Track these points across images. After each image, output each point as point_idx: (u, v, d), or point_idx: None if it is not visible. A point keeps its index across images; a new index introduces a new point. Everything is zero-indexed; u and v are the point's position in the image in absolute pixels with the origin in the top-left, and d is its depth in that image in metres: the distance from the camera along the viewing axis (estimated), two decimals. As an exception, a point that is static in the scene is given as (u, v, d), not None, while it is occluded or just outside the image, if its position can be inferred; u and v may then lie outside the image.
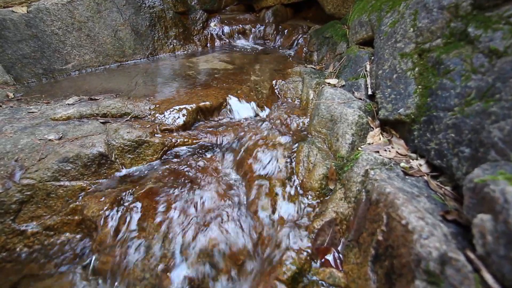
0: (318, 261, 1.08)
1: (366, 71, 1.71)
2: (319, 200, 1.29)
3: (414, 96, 1.22)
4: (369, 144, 1.34)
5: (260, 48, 3.47)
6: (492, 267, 0.66)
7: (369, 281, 0.91)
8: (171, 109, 1.81)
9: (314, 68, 2.43)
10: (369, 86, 1.62)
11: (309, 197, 1.31)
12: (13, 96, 2.09)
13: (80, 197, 1.41)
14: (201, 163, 1.61)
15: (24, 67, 2.38)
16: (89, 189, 1.44)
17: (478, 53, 1.00)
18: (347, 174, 1.21)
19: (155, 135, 1.65)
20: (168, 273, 1.11)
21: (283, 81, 2.26)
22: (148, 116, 1.78)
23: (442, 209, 0.88)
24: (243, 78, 2.37)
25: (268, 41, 3.66)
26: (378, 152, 1.24)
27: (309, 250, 1.09)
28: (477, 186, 0.74)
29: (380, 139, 1.34)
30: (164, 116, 1.78)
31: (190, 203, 1.33)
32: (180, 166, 1.57)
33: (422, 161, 1.14)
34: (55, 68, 2.52)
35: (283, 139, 1.59)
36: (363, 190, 1.09)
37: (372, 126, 1.42)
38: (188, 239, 1.18)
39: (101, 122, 1.67)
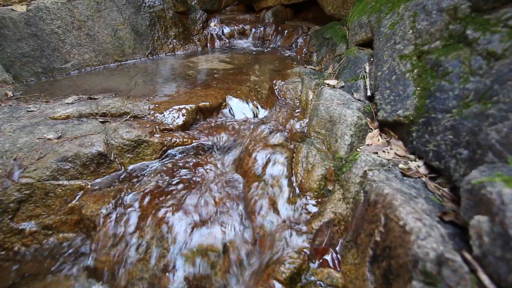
0: (316, 261, 1.08)
1: (365, 72, 1.71)
2: (317, 201, 1.29)
3: (413, 98, 1.23)
4: (367, 145, 1.34)
5: (259, 48, 3.47)
6: (488, 268, 0.66)
7: (367, 281, 0.92)
8: (171, 109, 1.81)
9: (313, 69, 2.43)
10: (368, 87, 1.63)
11: (308, 197, 1.31)
12: (12, 95, 2.09)
13: (79, 196, 1.41)
14: (200, 163, 1.61)
15: (23, 66, 2.38)
16: (87, 188, 1.44)
17: (477, 55, 1.01)
18: (346, 175, 1.21)
19: (154, 134, 1.65)
20: (166, 273, 1.11)
21: (282, 82, 2.27)
22: (148, 116, 1.78)
23: (440, 210, 0.88)
24: (243, 78, 2.37)
25: (268, 41, 3.66)
26: (376, 153, 1.24)
27: (307, 251, 1.10)
28: (474, 188, 0.74)
29: (378, 140, 1.35)
30: (163, 116, 1.78)
31: (188, 203, 1.33)
32: (179, 166, 1.57)
33: (420, 163, 1.14)
34: (55, 67, 2.52)
35: (282, 140, 1.59)
36: (362, 191, 1.09)
37: (371, 127, 1.43)
38: (187, 238, 1.19)
39: (100, 122, 1.67)
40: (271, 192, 1.35)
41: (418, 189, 1.00)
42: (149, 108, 1.83)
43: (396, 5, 1.54)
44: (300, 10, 4.05)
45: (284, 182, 1.38)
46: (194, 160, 1.63)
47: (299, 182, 1.37)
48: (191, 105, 1.85)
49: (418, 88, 1.22)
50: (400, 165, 1.14)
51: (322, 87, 1.89)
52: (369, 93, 1.60)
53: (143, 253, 1.16)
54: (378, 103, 1.42)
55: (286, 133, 1.66)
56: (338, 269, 1.05)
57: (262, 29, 3.70)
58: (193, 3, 3.62)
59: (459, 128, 0.98)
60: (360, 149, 1.31)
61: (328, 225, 1.14)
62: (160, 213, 1.28)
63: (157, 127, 1.69)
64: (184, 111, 1.81)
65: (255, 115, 2.06)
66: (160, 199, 1.35)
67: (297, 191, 1.35)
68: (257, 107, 2.08)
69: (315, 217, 1.20)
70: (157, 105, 1.85)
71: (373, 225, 0.95)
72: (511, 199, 0.63)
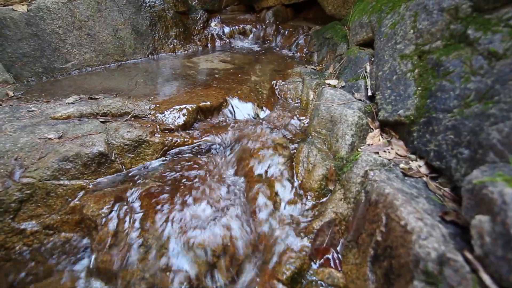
0: (317, 261, 1.08)
1: (366, 72, 1.71)
2: (318, 201, 1.29)
3: (414, 98, 1.23)
4: (368, 145, 1.34)
5: (260, 48, 3.47)
6: (490, 267, 0.66)
7: (368, 281, 0.92)
8: (171, 109, 1.81)
9: (314, 69, 2.43)
10: (369, 87, 1.63)
11: (309, 197, 1.31)
12: (13, 95, 2.09)
13: (80, 196, 1.41)
14: (201, 163, 1.61)
15: (24, 66, 2.38)
16: (88, 188, 1.44)
17: (478, 55, 1.01)
18: (347, 175, 1.21)
19: (155, 134, 1.65)
20: (167, 273, 1.11)
21: (283, 82, 2.27)
22: (148, 116, 1.79)
23: (441, 210, 0.89)
24: (243, 78, 2.37)
25: (269, 41, 3.66)
26: (377, 153, 1.24)
27: (308, 251, 1.10)
28: (475, 188, 0.74)
29: (379, 140, 1.35)
30: (164, 115, 1.78)
31: (190, 203, 1.33)
32: (180, 166, 1.57)
33: (421, 162, 1.14)
34: (55, 67, 2.52)
35: (283, 140, 1.59)
36: (363, 190, 1.10)
37: (371, 127, 1.43)
38: (188, 238, 1.19)
39: (101, 121, 1.67)
40: (271, 192, 1.35)
41: (419, 189, 1.00)
42: (150, 108, 1.83)
43: (397, 5, 1.54)
44: (300, 10, 4.05)
45: (285, 182, 1.38)
46: (195, 160, 1.63)
47: (300, 182, 1.37)
48: (192, 105, 1.85)
49: (419, 88, 1.22)
50: (401, 165, 1.15)
51: (322, 87, 1.89)
52: (370, 93, 1.60)
53: (144, 252, 1.16)
54: (379, 103, 1.42)
55: (286, 133, 1.66)
56: (339, 269, 1.05)
57: (262, 29, 3.70)
58: (193, 3, 3.62)
59: (460, 128, 0.98)
60: (361, 149, 1.31)
61: (329, 225, 1.15)
62: (161, 213, 1.28)
63: (158, 127, 1.69)
64: (184, 111, 1.81)
65: (256, 115, 2.06)
66: (161, 199, 1.35)
67: (298, 191, 1.35)
68: (257, 107, 2.08)
69: (316, 216, 1.20)
70: (158, 105, 1.85)
71: (374, 225, 0.95)
72: (513, 199, 0.64)
